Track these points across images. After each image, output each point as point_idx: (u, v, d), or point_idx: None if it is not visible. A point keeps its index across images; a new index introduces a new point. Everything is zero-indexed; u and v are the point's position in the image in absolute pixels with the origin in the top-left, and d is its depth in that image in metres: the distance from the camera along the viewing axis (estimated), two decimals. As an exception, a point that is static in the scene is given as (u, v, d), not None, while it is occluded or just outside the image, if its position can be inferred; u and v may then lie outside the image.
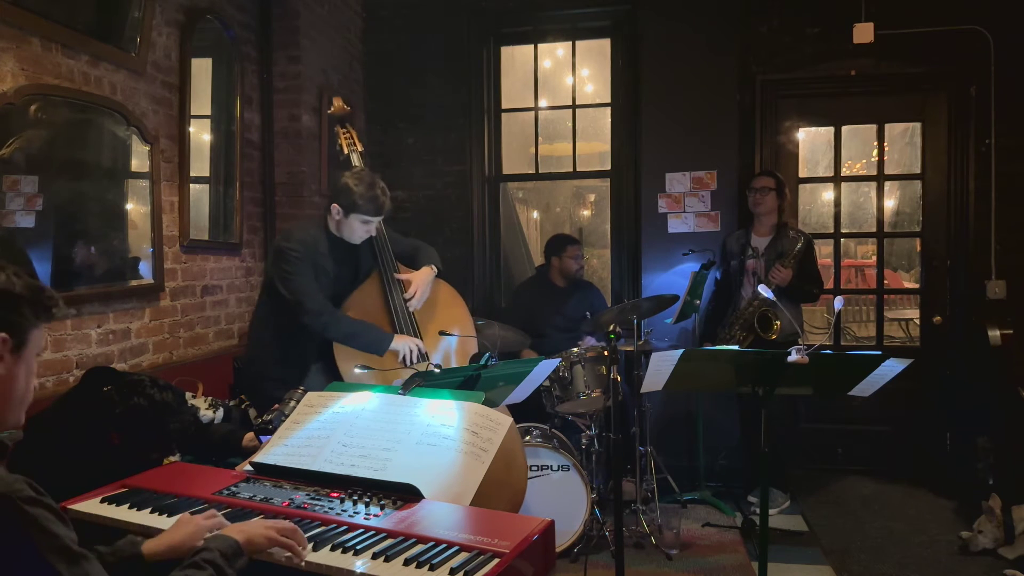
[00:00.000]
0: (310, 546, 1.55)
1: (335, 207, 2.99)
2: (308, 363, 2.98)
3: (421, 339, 3.01)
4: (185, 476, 2.02)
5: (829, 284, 4.76)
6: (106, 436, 2.24)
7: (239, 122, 3.98)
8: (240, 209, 4.00)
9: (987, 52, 4.39)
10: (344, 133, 3.40)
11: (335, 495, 1.79)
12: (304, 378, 2.87)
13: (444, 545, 1.52)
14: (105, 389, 2.34)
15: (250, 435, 2.48)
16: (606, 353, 3.57)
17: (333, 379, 2.81)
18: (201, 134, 3.75)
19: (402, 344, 2.93)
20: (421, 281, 3.09)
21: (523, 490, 2.96)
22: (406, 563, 1.47)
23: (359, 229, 3.01)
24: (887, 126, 4.82)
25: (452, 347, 3.15)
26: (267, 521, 1.57)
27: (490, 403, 2.06)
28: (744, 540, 3.71)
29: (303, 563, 1.51)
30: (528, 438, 3.52)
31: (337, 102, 3.51)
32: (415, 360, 2.91)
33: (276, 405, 2.35)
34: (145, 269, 3.33)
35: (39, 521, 1.18)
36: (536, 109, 5.20)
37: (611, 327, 2.98)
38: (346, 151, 3.36)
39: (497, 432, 1.89)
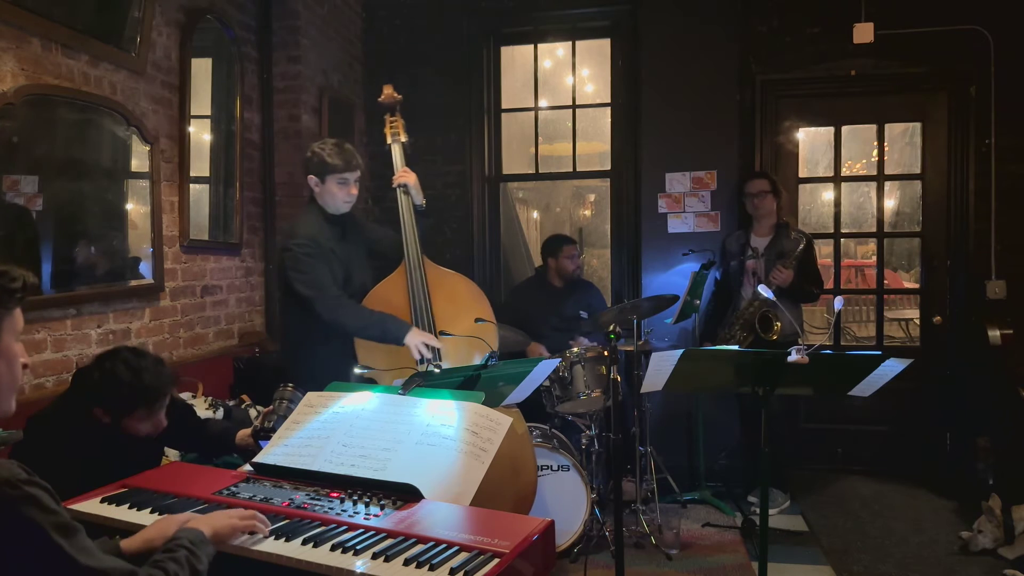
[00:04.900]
0: (310, 545, 1.55)
1: (311, 179, 2.97)
2: (350, 363, 2.92)
3: (437, 338, 2.97)
4: (185, 476, 2.02)
5: (829, 284, 4.75)
6: (106, 436, 2.23)
7: (239, 122, 3.98)
8: (240, 209, 4.01)
9: (987, 52, 4.39)
10: (391, 121, 3.25)
11: (335, 495, 1.79)
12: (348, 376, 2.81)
13: (444, 545, 1.52)
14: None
15: (243, 432, 2.46)
16: (606, 353, 3.57)
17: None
18: (201, 134, 3.75)
19: (417, 340, 2.83)
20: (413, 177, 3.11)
21: (531, 496, 2.93)
22: (406, 563, 1.46)
23: (339, 193, 2.97)
24: (887, 126, 4.81)
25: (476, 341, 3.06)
26: (229, 511, 1.62)
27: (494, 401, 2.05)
28: (744, 540, 3.71)
29: (267, 532, 1.59)
30: (528, 438, 3.52)
31: (387, 89, 3.30)
32: (430, 357, 2.82)
33: (269, 407, 2.34)
34: (145, 269, 3.33)
35: (40, 500, 1.21)
36: (536, 109, 5.20)
37: (611, 327, 2.97)
38: (388, 140, 3.23)
39: (497, 432, 1.89)
